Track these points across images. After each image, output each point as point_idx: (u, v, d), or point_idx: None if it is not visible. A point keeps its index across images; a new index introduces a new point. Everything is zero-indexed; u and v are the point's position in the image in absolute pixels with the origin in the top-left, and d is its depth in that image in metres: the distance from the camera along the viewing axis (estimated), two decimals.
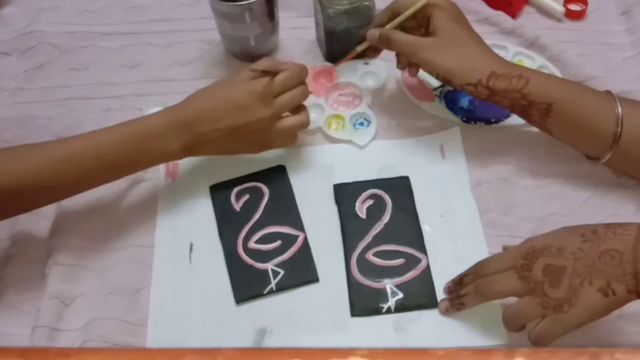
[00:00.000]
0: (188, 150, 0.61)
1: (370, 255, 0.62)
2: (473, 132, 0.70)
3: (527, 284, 0.51)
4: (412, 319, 0.59)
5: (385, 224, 0.63)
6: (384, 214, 0.64)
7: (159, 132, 0.59)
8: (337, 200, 0.65)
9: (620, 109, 0.59)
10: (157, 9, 0.82)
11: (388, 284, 0.60)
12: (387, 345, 0.58)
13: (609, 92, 0.61)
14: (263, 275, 0.61)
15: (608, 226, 0.50)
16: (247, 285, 0.61)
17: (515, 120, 0.70)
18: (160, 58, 0.78)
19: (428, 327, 0.58)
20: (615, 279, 0.47)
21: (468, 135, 0.69)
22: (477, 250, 0.61)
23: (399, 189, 0.65)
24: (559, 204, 0.65)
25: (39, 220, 0.65)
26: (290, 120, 0.64)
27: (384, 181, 0.66)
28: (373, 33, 0.65)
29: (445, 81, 0.62)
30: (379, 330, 0.58)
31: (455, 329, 0.58)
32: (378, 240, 0.62)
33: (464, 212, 0.64)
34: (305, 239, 0.63)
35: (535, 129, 0.64)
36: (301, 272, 0.61)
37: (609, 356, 0.32)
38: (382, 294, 0.60)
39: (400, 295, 0.59)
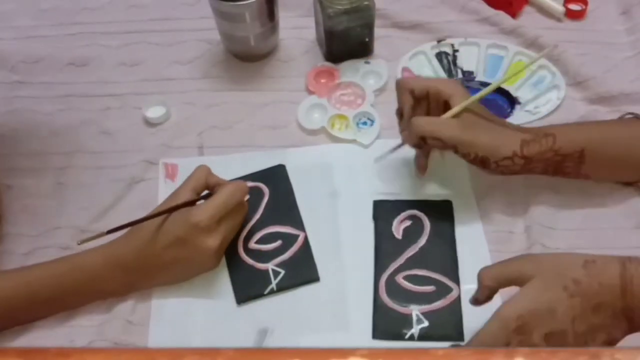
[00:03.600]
0: (132, 287, 0.59)
1: (400, 278, 0.60)
2: None
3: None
4: None
5: (421, 248, 0.62)
6: (420, 237, 0.62)
7: (98, 274, 0.56)
8: (375, 217, 0.64)
9: None
10: (157, 8, 0.82)
11: (414, 310, 0.58)
12: (388, 344, 0.58)
13: (635, 116, 0.62)
14: (264, 276, 0.61)
15: (588, 273, 0.47)
16: (247, 285, 0.60)
17: (514, 120, 0.70)
18: (160, 57, 0.78)
19: None
20: (614, 328, 0.47)
21: None
22: (477, 251, 0.61)
23: (440, 212, 0.64)
24: (557, 200, 0.65)
25: (30, 219, 0.65)
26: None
27: (425, 203, 0.64)
28: (405, 134, 0.60)
29: (482, 161, 0.58)
30: None
31: None
32: (411, 263, 0.61)
33: (463, 209, 0.64)
34: (306, 238, 0.63)
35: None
36: (302, 271, 0.61)
37: (609, 356, 0.32)
38: (407, 320, 0.58)
39: (426, 323, 0.57)
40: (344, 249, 0.63)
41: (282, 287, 0.60)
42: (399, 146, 0.63)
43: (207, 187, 0.59)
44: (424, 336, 0.57)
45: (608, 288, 0.46)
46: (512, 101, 0.72)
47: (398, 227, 0.63)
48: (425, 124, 0.58)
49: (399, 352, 0.35)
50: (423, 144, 0.59)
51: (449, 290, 0.59)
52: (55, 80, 0.76)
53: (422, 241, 0.62)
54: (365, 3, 0.70)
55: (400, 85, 0.61)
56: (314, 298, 0.60)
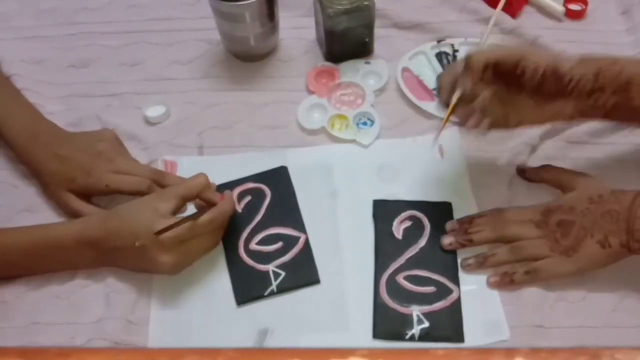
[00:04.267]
0: (99, 264, 0.60)
1: (400, 278, 0.60)
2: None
3: (543, 231, 0.59)
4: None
5: (421, 249, 0.62)
6: (420, 238, 0.63)
7: (67, 246, 0.58)
8: (375, 217, 0.64)
9: None
10: (157, 8, 0.82)
11: (415, 311, 0.58)
12: (388, 345, 0.58)
13: None
14: (264, 277, 0.61)
15: (613, 192, 0.57)
16: (248, 286, 0.61)
17: None
18: (161, 57, 0.78)
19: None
20: (611, 234, 0.55)
21: (467, 135, 0.69)
22: (477, 253, 0.61)
23: (440, 214, 0.64)
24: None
25: (35, 218, 0.65)
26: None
27: (425, 204, 0.64)
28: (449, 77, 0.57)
29: (553, 73, 0.54)
30: None
31: None
32: (411, 264, 0.61)
33: (463, 212, 0.64)
34: (307, 240, 0.63)
35: (535, 130, 0.64)
36: (302, 273, 0.61)
37: (609, 356, 0.32)
38: (407, 320, 0.58)
39: (426, 324, 0.58)
40: (345, 250, 0.63)
41: (282, 289, 0.60)
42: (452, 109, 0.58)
43: (199, 198, 0.60)
44: (424, 337, 0.57)
45: (620, 199, 0.56)
46: None
47: (398, 227, 0.63)
48: (486, 51, 0.56)
49: (399, 352, 0.35)
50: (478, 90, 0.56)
51: (449, 291, 0.60)
52: (56, 80, 0.76)
53: (422, 242, 0.62)
54: (365, 3, 0.70)
55: (473, 60, 0.55)
56: (314, 299, 0.60)
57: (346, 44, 0.74)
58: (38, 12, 0.82)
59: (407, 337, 0.57)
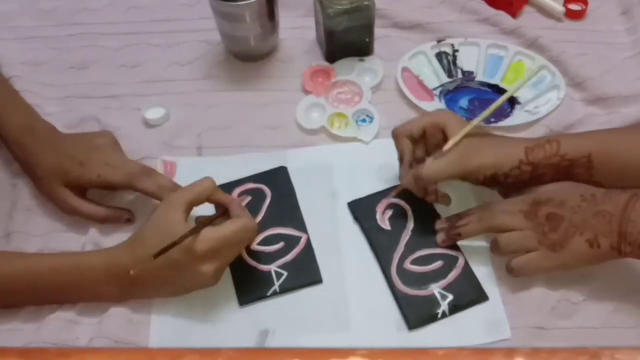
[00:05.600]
0: (126, 295, 0.58)
1: (408, 264, 0.61)
2: None
3: (531, 223, 0.57)
4: None
5: (412, 231, 0.63)
6: (407, 221, 0.63)
7: (94, 277, 0.57)
8: (357, 217, 0.64)
9: None
10: (157, 9, 0.82)
11: (435, 289, 0.59)
12: (388, 345, 0.58)
13: None
14: (266, 277, 0.61)
15: (607, 192, 0.56)
16: (250, 287, 0.60)
17: (514, 120, 0.70)
18: (160, 58, 0.78)
19: (429, 327, 0.58)
20: (602, 234, 0.54)
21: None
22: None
23: (413, 194, 0.64)
24: None
25: (33, 218, 0.65)
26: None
27: (394, 189, 0.65)
28: (409, 182, 0.61)
29: (492, 179, 0.59)
30: (381, 330, 0.59)
31: (455, 328, 0.58)
32: (410, 248, 0.62)
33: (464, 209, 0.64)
34: (308, 240, 0.63)
35: (534, 130, 0.65)
36: (304, 273, 0.61)
37: (609, 356, 0.33)
38: (432, 300, 0.59)
39: (450, 297, 0.59)
40: (346, 249, 0.63)
41: (285, 289, 0.60)
42: (398, 191, 0.64)
43: (209, 201, 0.59)
44: (453, 309, 0.59)
45: (614, 201, 0.54)
46: (512, 101, 0.72)
47: (383, 219, 0.64)
48: (433, 173, 0.59)
49: (398, 352, 0.35)
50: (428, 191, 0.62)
51: (455, 259, 0.61)
52: (56, 81, 0.76)
53: (411, 225, 0.63)
54: (365, 3, 0.70)
55: (396, 134, 0.62)
56: (316, 299, 0.60)
57: (346, 44, 0.74)
58: (38, 13, 0.82)
59: (440, 315, 0.58)
